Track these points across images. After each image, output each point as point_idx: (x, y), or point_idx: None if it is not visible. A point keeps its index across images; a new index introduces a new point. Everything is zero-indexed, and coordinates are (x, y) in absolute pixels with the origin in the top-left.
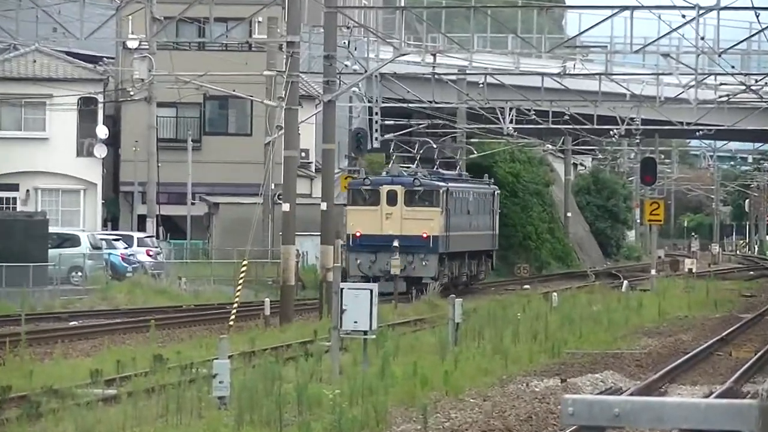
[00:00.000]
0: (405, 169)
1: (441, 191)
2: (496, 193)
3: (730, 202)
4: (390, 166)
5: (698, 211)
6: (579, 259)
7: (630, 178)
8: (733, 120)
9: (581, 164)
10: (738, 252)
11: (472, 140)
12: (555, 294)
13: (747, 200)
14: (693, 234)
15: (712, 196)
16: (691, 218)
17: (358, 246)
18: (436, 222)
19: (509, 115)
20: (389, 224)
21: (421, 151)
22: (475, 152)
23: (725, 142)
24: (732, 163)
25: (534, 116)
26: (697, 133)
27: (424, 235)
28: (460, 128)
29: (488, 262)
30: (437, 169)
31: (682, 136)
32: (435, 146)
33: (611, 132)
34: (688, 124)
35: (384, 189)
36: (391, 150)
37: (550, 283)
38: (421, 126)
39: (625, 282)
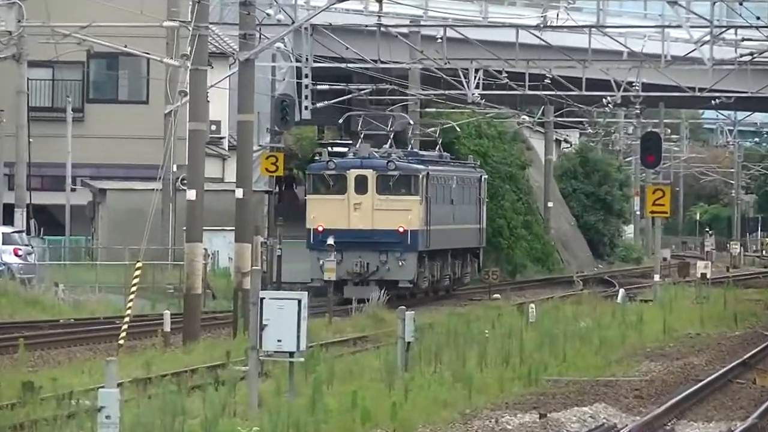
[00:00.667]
0: (341, 145)
1: (420, 176)
2: (483, 178)
3: (755, 188)
4: (359, 144)
5: (714, 200)
6: (563, 261)
7: (628, 159)
8: (757, 85)
9: (566, 141)
10: (764, 252)
11: (428, 110)
12: (532, 305)
13: None
14: (707, 230)
15: (732, 182)
16: (704, 209)
17: (320, 243)
18: (414, 213)
19: (475, 78)
20: (358, 217)
21: (365, 128)
22: (437, 127)
23: (748, 113)
24: (756, 139)
25: (506, 80)
26: (713, 102)
27: (401, 230)
28: (412, 95)
29: (474, 263)
30: (412, 148)
31: (693, 105)
32: (388, 115)
33: (604, 100)
34: (702, 90)
35: (352, 174)
36: (346, 124)
37: (527, 291)
38: (363, 92)
39: (621, 290)
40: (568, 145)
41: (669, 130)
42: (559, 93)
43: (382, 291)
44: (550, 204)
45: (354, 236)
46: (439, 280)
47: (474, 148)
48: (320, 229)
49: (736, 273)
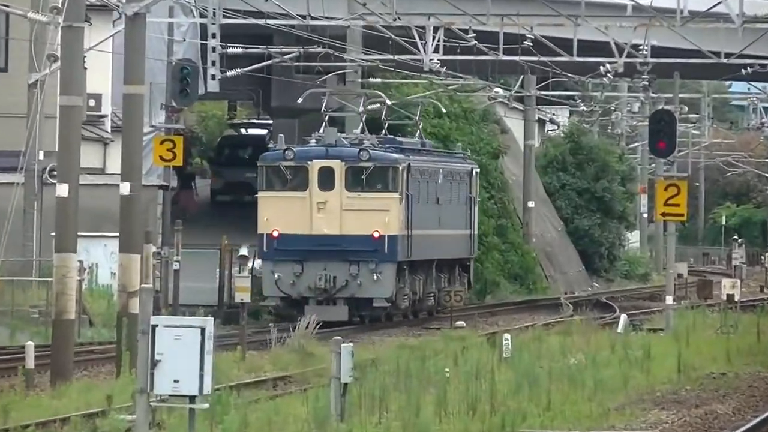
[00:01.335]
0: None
1: (400, 168)
2: (474, 171)
3: None
4: (323, 128)
5: (744, 199)
6: (547, 278)
7: (632, 146)
8: None
9: (552, 121)
10: None
11: (372, 80)
12: (507, 336)
13: None
14: (735, 237)
15: (767, 175)
16: (732, 211)
17: (275, 252)
18: (393, 215)
19: (434, 39)
20: (323, 219)
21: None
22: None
23: None
24: None
25: (474, 42)
26: (744, 71)
27: (376, 235)
28: (352, 61)
29: (464, 277)
30: (386, 134)
31: (718, 75)
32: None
33: (601, 68)
34: (729, 56)
35: (315, 165)
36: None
37: (500, 317)
38: (288, 57)
39: (623, 317)
40: (555, 128)
41: (686, 108)
42: (543, 59)
43: (353, 312)
44: (530, 204)
45: (317, 243)
46: (421, 299)
47: (432, 131)
48: (275, 234)
49: None
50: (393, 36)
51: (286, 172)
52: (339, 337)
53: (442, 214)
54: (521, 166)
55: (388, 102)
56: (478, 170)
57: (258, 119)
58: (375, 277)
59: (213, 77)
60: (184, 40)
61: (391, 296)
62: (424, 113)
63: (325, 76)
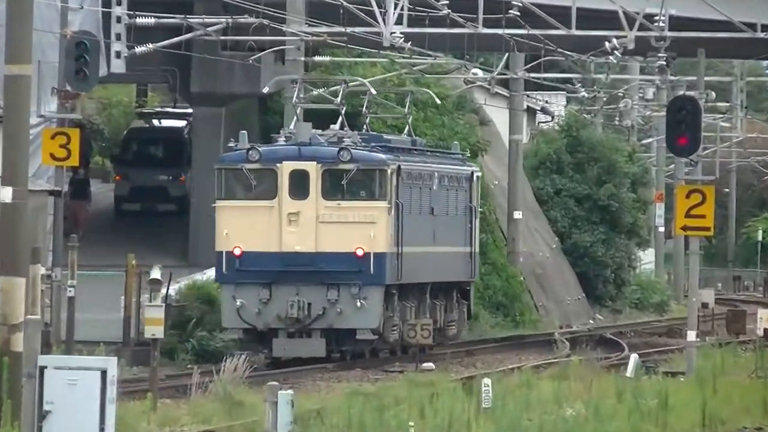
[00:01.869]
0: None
1: (389, 172)
2: (475, 175)
3: None
4: (293, 124)
5: None
6: (537, 308)
7: (646, 141)
8: None
9: (544, 111)
10: None
11: (319, 59)
12: (487, 381)
13: None
14: None
15: None
16: None
17: (237, 274)
18: (380, 228)
19: (396, 8)
20: (295, 233)
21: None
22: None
23: None
24: None
25: (447, 11)
26: None
27: (360, 253)
28: (293, 34)
29: (463, 305)
30: (368, 131)
31: (753, 54)
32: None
33: (607, 44)
34: (766, 28)
35: (285, 168)
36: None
37: (478, 356)
38: (212, 29)
39: (634, 357)
40: (548, 119)
41: (713, 95)
42: (533, 32)
43: (332, 346)
44: (517, 214)
45: (288, 263)
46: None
47: (393, 123)
48: (237, 252)
49: None
50: (345, 2)
51: (250, 176)
52: (275, 383)
53: (438, 228)
54: (506, 166)
55: (373, 91)
56: (480, 174)
57: (174, 107)
58: (358, 303)
59: (118, 55)
60: (81, 8)
61: (378, 327)
62: (384, 99)
63: (259, 54)
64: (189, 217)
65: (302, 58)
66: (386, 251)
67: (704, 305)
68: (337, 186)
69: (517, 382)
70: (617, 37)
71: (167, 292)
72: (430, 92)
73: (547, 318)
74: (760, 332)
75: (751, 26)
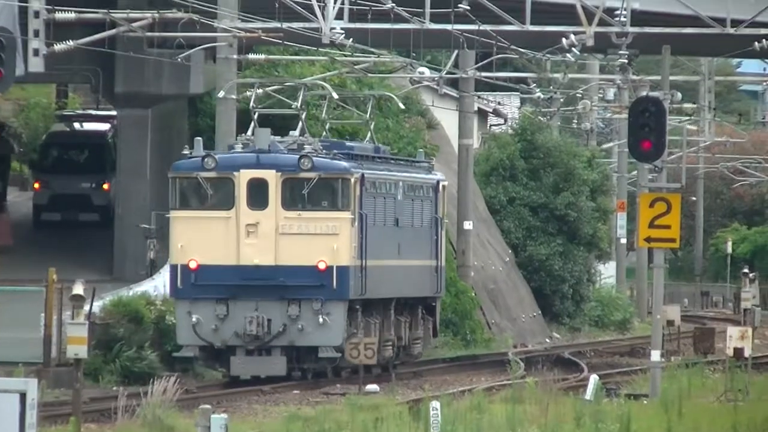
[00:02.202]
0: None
1: (352, 180)
2: (441, 184)
3: None
4: (250, 130)
5: (757, 219)
6: (489, 325)
7: (606, 146)
8: None
9: (497, 113)
10: None
11: (254, 57)
12: (436, 404)
13: None
14: (746, 271)
15: None
16: (740, 235)
17: (193, 289)
18: (343, 240)
19: (335, 2)
20: (254, 246)
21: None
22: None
23: None
24: None
25: (392, 5)
26: (757, 46)
27: (322, 266)
28: (225, 30)
29: (429, 321)
30: (326, 137)
31: (722, 51)
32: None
33: (564, 41)
34: (737, 24)
35: (243, 177)
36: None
37: (426, 377)
38: (138, 25)
39: (593, 378)
40: (501, 121)
41: (680, 95)
42: (485, 28)
43: (293, 364)
44: (467, 225)
45: (247, 277)
46: (378, 349)
47: (333, 126)
48: (193, 266)
49: None
50: None
51: (206, 185)
52: (208, 406)
53: (403, 240)
54: (455, 173)
55: (335, 95)
56: (446, 183)
57: (97, 109)
58: (321, 319)
59: (36, 52)
60: None
61: (341, 344)
62: (319, 101)
63: (188, 52)
64: (114, 228)
65: (235, 56)
66: (349, 264)
67: (669, 323)
68: (297, 195)
69: (468, 406)
70: (575, 33)
71: (91, 309)
72: (393, 96)
73: (501, 337)
74: (730, 352)
75: (720, 21)
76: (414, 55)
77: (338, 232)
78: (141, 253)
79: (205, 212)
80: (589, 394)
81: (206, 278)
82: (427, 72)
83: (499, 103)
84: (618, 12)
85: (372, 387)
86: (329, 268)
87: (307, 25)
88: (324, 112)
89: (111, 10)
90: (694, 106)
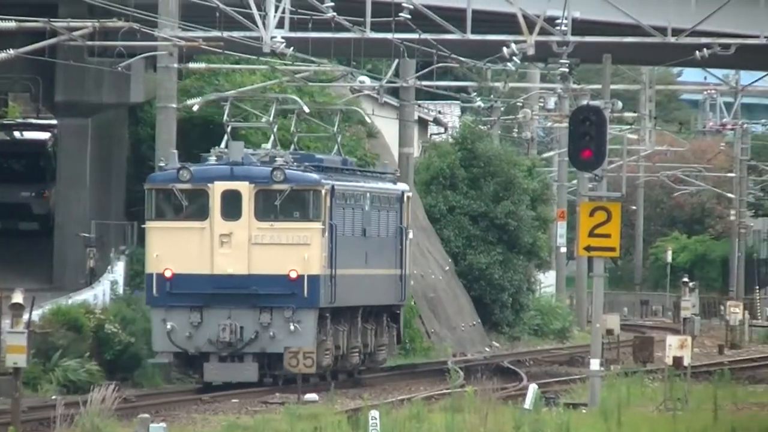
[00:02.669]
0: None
1: (323, 192)
2: (405, 195)
3: None
4: (224, 143)
5: (697, 228)
6: (429, 334)
7: (547, 154)
8: None
9: (437, 122)
10: None
11: (194, 65)
12: (375, 413)
13: None
14: (685, 280)
15: (730, 195)
16: (680, 244)
17: (168, 297)
18: (314, 250)
19: (277, 11)
20: (227, 255)
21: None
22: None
23: (760, 74)
24: None
25: (332, 14)
26: (698, 55)
27: (293, 275)
28: (165, 39)
29: (393, 329)
30: (296, 148)
31: (663, 60)
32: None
33: (505, 50)
34: (678, 33)
35: (217, 188)
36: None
37: (366, 387)
38: (78, 34)
39: (533, 387)
40: (442, 130)
41: (620, 104)
42: (425, 37)
43: (265, 370)
44: (408, 235)
45: (220, 285)
46: (346, 356)
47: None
48: (168, 274)
49: (737, 357)
50: (221, 5)
51: (181, 196)
52: (146, 415)
53: (370, 250)
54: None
55: (306, 109)
56: (411, 194)
57: (37, 118)
58: (292, 327)
59: None
60: None
61: (311, 350)
62: (261, 110)
63: (129, 60)
64: (54, 237)
65: (175, 65)
66: (320, 273)
67: (609, 332)
68: (270, 207)
69: (407, 415)
70: (516, 42)
71: (30, 317)
72: (361, 110)
73: (440, 345)
74: (669, 360)
75: (661, 30)
76: (354, 63)
77: (309, 242)
78: (81, 262)
79: (180, 223)
80: (528, 403)
81: (181, 287)
82: (367, 81)
83: (439, 112)
84: (559, 21)
85: (311, 396)
86: (300, 277)
87: (247, 33)
88: (293, 125)
89: (51, 19)
90: (635, 115)
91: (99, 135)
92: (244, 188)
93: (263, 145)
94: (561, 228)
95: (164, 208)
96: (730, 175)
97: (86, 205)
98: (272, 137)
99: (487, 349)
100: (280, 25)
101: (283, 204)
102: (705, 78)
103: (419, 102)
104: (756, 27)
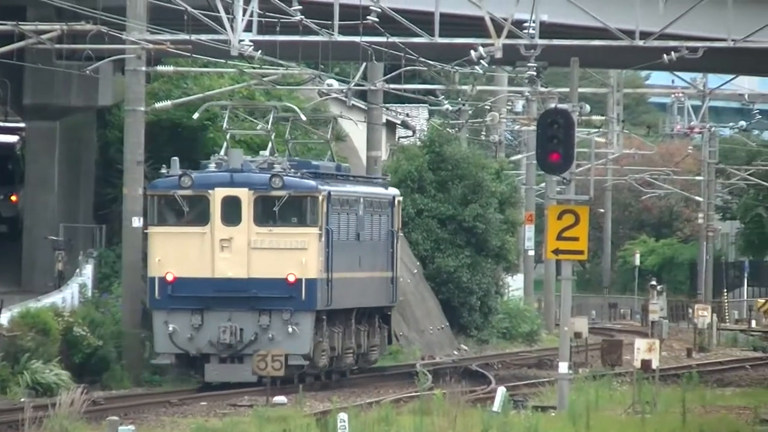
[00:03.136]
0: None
1: (320, 198)
2: (396, 200)
3: (738, 212)
4: (224, 149)
5: (665, 231)
6: (397, 337)
7: (515, 158)
8: (744, 27)
9: (405, 125)
10: (753, 323)
11: (162, 69)
12: (343, 416)
13: None
14: (653, 283)
15: (698, 198)
16: (648, 247)
17: (170, 300)
18: (311, 254)
19: (246, 14)
20: (227, 260)
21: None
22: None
23: (727, 77)
24: (742, 123)
25: (300, 16)
26: (666, 58)
27: (291, 279)
28: (133, 42)
29: (384, 330)
30: (290, 155)
31: (631, 63)
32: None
33: (473, 53)
34: (646, 36)
35: (218, 195)
36: None
37: (334, 390)
38: (46, 37)
39: (501, 390)
40: (410, 133)
41: (588, 107)
42: (393, 40)
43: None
44: None
45: (220, 289)
46: (340, 356)
47: (242, 138)
48: (170, 278)
49: (705, 360)
50: (189, 8)
51: (182, 202)
52: (115, 418)
53: (363, 253)
54: None
55: (303, 117)
56: (401, 198)
57: (5, 121)
58: (290, 329)
59: None
60: None
61: (309, 352)
62: (231, 115)
63: (97, 63)
64: (22, 240)
65: (143, 68)
66: (317, 277)
67: (577, 335)
68: (268, 212)
69: (376, 418)
70: (484, 45)
71: None
72: (353, 119)
73: (408, 349)
74: (638, 364)
75: (629, 34)
76: (322, 67)
77: (307, 246)
78: (49, 265)
79: (181, 228)
80: (496, 406)
81: (182, 290)
82: (335, 84)
83: (407, 115)
84: (527, 24)
85: (280, 399)
86: (298, 281)
87: (215, 37)
88: (287, 132)
89: (20, 22)
90: (603, 118)
91: (67, 138)
92: (244, 194)
93: (261, 152)
94: (529, 231)
95: (166, 214)
96: (698, 178)
97: (54, 208)
98: (270, 144)
99: (456, 353)
100: (248, 28)
101: (281, 210)
102: (673, 81)
103: (387, 105)
104: (723, 30)
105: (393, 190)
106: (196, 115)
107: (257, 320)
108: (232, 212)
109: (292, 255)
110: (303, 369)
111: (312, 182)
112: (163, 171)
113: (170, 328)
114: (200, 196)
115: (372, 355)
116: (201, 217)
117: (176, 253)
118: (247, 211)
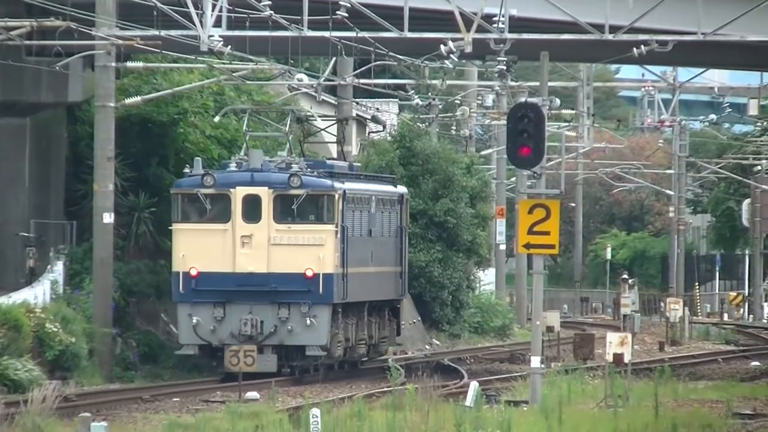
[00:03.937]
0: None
1: (336, 196)
2: (405, 198)
3: (709, 204)
4: (244, 150)
5: (636, 225)
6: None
7: (485, 152)
8: (714, 20)
9: (375, 120)
10: (725, 316)
11: (132, 65)
12: (316, 411)
13: (745, 201)
14: (625, 277)
15: (669, 192)
16: (620, 241)
17: (193, 293)
18: (328, 250)
19: (214, 8)
20: (248, 255)
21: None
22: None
23: (697, 71)
24: (712, 116)
25: (269, 12)
26: (635, 52)
27: (309, 273)
28: (102, 38)
29: (393, 322)
30: (305, 155)
31: (601, 57)
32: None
33: (442, 47)
34: (615, 30)
35: (239, 193)
36: None
37: (307, 385)
38: (15, 33)
39: (473, 385)
40: (380, 128)
41: (558, 101)
42: (363, 35)
43: (283, 361)
44: None
45: (241, 283)
46: (354, 347)
47: (212, 133)
48: (193, 273)
49: (677, 353)
50: (158, 4)
51: (205, 200)
52: (87, 414)
53: (375, 249)
54: None
55: (317, 117)
56: (409, 196)
57: None
58: (308, 321)
59: None
60: None
61: (326, 343)
62: (198, 110)
63: (67, 59)
64: None
65: (113, 64)
66: (333, 272)
67: (549, 329)
68: (287, 210)
69: (348, 413)
70: (453, 40)
71: None
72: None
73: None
74: (610, 358)
75: (599, 28)
76: (292, 62)
77: (324, 243)
78: (20, 262)
79: (204, 225)
80: (469, 400)
81: (205, 284)
82: (305, 79)
83: (377, 110)
84: (496, 19)
85: (252, 394)
86: (316, 276)
87: (185, 32)
88: (303, 126)
89: None
90: (573, 112)
91: (37, 134)
92: (264, 193)
93: (279, 153)
94: (500, 225)
95: (189, 212)
96: (668, 171)
97: (25, 204)
98: (288, 145)
99: (428, 347)
100: (217, 23)
101: (299, 207)
102: (643, 75)
103: (357, 100)
104: (693, 23)
105: (401, 188)
106: (217, 118)
107: (277, 313)
108: (252, 210)
109: (310, 251)
110: (320, 359)
111: (328, 181)
112: (186, 170)
113: (194, 321)
114: (222, 194)
115: (382, 346)
116: (223, 215)
117: (199, 249)
118: (267, 208)
